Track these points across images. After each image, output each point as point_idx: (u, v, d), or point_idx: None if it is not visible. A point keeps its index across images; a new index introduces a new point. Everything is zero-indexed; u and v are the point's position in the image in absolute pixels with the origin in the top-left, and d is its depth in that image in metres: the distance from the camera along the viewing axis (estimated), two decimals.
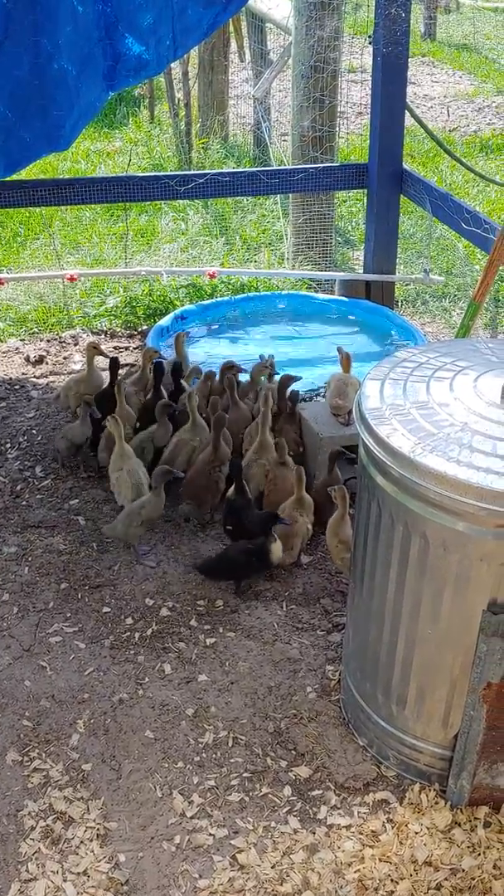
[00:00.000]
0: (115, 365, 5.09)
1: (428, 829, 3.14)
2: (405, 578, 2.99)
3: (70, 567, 4.35)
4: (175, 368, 5.12)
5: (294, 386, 5.00)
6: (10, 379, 6.04)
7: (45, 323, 6.78)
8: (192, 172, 6.59)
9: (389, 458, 2.86)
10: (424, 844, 3.09)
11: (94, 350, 5.32)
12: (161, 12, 4.70)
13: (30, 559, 4.40)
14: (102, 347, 5.84)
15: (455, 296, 7.23)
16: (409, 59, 6.03)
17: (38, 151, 4.90)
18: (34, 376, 6.08)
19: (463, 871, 3.01)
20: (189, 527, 4.61)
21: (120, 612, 4.08)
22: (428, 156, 10.15)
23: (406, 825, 3.16)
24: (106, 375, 5.15)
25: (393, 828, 3.16)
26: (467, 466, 2.71)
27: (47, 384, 5.96)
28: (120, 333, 6.67)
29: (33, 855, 3.08)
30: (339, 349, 5.08)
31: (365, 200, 6.62)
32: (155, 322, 6.51)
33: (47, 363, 6.27)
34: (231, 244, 7.89)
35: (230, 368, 5.04)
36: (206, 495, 4.55)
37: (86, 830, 3.15)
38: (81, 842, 3.12)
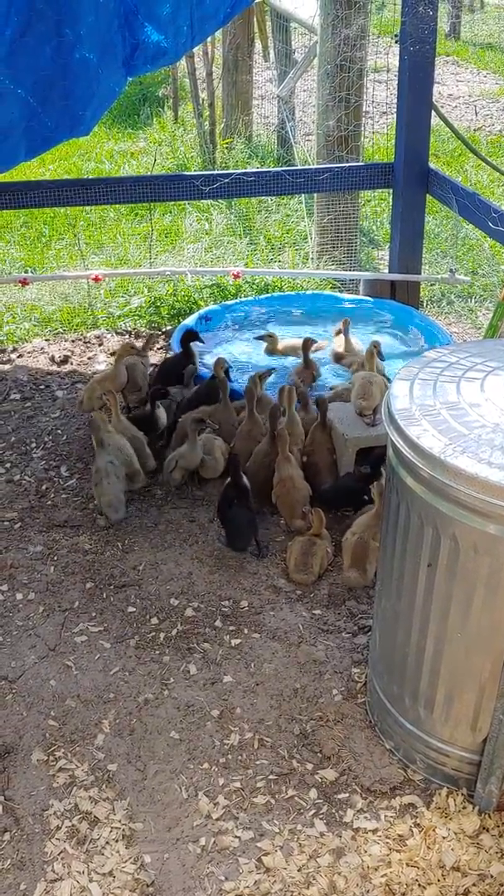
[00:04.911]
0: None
1: (455, 833, 3.11)
2: (434, 581, 2.96)
3: (95, 567, 4.35)
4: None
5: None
6: (36, 379, 6.05)
7: (69, 323, 6.79)
8: (216, 172, 6.58)
9: (419, 458, 2.84)
10: (452, 849, 3.06)
11: (129, 349, 5.38)
12: (180, 1, 4.74)
13: (55, 558, 4.40)
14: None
15: (481, 296, 7.18)
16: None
17: (60, 137, 4.95)
18: (59, 376, 6.10)
19: (491, 876, 2.98)
20: (214, 527, 4.59)
21: (145, 612, 4.08)
22: (453, 155, 10.09)
23: (433, 830, 3.13)
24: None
25: (420, 832, 3.13)
26: (499, 468, 2.68)
27: (72, 384, 5.97)
28: (144, 334, 6.67)
29: (59, 855, 3.08)
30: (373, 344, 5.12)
31: (390, 200, 6.59)
32: (179, 322, 6.50)
33: (72, 363, 6.28)
34: (255, 244, 7.87)
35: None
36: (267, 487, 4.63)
37: (111, 831, 3.15)
38: (107, 842, 3.11)
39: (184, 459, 4.69)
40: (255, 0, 5.34)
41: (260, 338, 6.04)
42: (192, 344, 5.48)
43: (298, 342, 5.74)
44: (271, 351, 6.00)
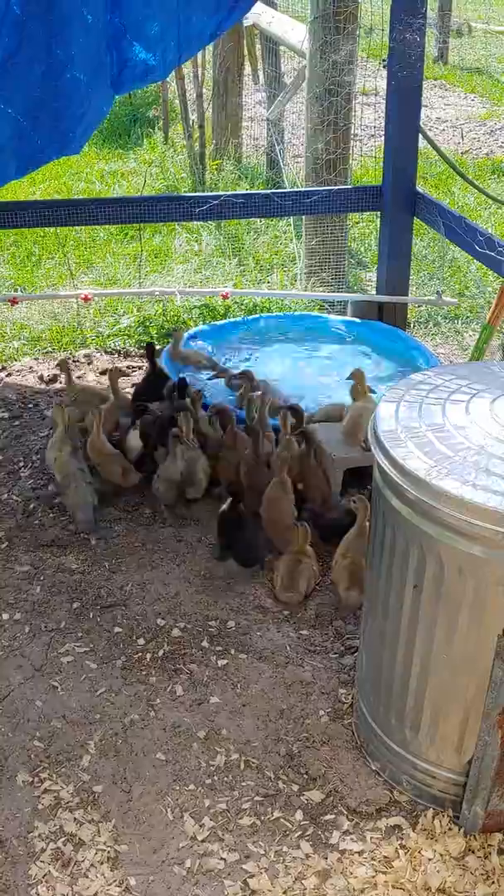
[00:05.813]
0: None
1: (441, 855, 3.11)
2: (420, 602, 2.98)
3: (82, 587, 4.34)
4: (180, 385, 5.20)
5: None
6: (24, 397, 6.06)
7: (58, 342, 6.80)
8: (206, 194, 6.63)
9: (405, 480, 2.86)
10: (438, 871, 3.05)
11: (117, 373, 5.44)
12: (168, 21, 4.82)
13: (42, 578, 4.40)
14: (117, 367, 5.91)
15: (467, 318, 7.24)
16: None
17: (50, 155, 5.00)
18: (48, 395, 6.10)
19: None
20: (202, 546, 4.60)
21: (132, 633, 4.07)
22: (440, 178, 10.19)
23: (419, 851, 3.13)
24: None
25: (406, 854, 3.13)
26: (484, 490, 2.71)
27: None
28: (133, 353, 6.69)
29: (43, 877, 3.06)
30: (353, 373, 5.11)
31: (378, 222, 6.64)
32: (168, 342, 6.52)
33: (61, 382, 6.28)
34: (244, 265, 7.92)
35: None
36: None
37: (96, 853, 3.13)
38: (92, 864, 3.10)
39: (165, 471, 4.71)
40: (239, 19, 5.43)
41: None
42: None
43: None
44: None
